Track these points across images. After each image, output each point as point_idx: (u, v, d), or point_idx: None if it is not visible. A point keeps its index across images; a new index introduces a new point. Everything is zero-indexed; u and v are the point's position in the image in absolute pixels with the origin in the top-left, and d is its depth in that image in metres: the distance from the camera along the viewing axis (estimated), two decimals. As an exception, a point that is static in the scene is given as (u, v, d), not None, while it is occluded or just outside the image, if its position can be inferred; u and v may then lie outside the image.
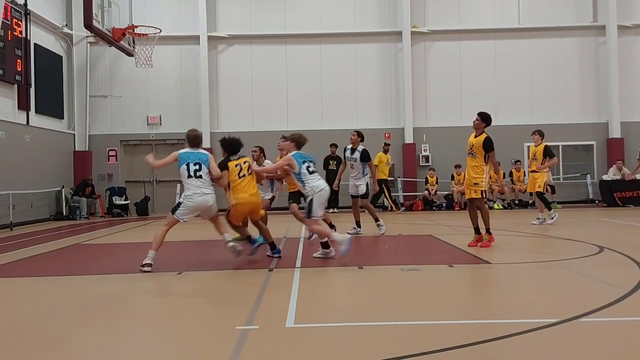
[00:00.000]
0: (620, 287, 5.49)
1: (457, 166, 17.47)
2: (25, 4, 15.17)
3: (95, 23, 9.49)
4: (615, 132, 18.72)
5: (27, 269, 7.97)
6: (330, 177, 13.48)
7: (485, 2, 19.21)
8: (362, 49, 19.33)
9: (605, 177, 17.97)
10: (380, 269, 7.12)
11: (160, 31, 11.16)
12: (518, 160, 18.03)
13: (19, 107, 15.12)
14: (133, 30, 11.02)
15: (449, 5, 19.25)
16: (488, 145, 8.20)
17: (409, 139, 19.08)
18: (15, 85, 14.88)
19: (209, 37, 18.93)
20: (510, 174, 17.80)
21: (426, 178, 18.35)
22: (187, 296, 5.96)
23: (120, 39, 10.81)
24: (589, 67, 19.12)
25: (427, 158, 19.11)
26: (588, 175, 18.69)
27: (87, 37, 18.19)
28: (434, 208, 18.00)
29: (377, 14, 19.40)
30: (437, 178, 18.19)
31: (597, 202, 18.27)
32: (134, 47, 11.76)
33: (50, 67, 17.11)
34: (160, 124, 18.86)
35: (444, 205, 18.14)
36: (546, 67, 19.00)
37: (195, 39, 18.72)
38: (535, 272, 6.75)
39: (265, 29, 19.12)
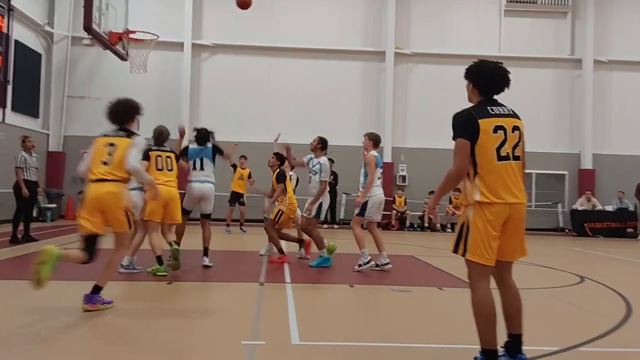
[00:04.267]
0: (608, 317, 5.61)
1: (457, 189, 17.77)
2: (9, 0, 14.85)
3: (94, 26, 9.33)
4: (587, 163, 19.30)
5: (9, 272, 7.71)
6: None
7: (468, 28, 19.64)
8: (345, 67, 19.51)
9: (576, 207, 18.43)
10: (371, 288, 7.14)
11: (158, 37, 11.06)
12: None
13: (-4, 104, 14.77)
14: (128, 35, 10.87)
15: (432, 29, 19.63)
16: None
17: (387, 158, 19.24)
18: (-6, 82, 14.53)
19: (193, 45, 18.89)
20: None
21: (394, 198, 18.51)
22: (184, 307, 5.81)
23: (116, 43, 10.67)
24: (564, 99, 19.70)
25: (404, 178, 19.31)
26: (559, 204, 19.14)
27: (68, 36, 18.08)
28: (405, 228, 18.16)
29: (362, 32, 19.64)
30: (405, 199, 18.37)
31: (566, 230, 18.71)
32: (126, 52, 11.60)
33: (29, 64, 16.74)
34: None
35: (415, 225, 18.33)
36: (523, 95, 19.41)
37: (179, 45, 18.63)
38: (525, 299, 6.84)
39: (250, 40, 19.12)
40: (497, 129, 3.62)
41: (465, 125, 3.65)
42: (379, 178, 8.23)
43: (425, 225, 18.13)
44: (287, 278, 7.47)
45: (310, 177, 8.78)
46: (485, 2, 19.77)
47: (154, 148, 7.56)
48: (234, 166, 14.30)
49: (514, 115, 3.74)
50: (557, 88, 19.75)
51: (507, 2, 19.59)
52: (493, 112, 3.67)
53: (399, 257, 10.78)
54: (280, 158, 9.28)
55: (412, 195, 18.79)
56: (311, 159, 8.90)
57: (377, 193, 8.20)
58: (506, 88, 3.79)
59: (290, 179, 9.57)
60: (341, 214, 18.22)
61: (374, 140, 8.38)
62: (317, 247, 8.65)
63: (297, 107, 19.05)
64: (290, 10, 19.37)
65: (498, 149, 3.60)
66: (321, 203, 8.75)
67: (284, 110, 19.04)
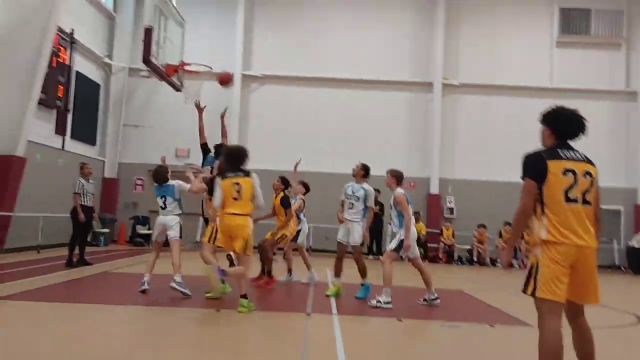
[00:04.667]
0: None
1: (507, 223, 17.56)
2: (72, 33, 15.65)
3: (152, 58, 9.73)
4: (645, 199, 18.63)
5: (63, 295, 7.94)
6: None
7: (518, 59, 19.43)
8: (393, 97, 19.57)
9: (632, 244, 17.71)
10: (419, 323, 7.02)
11: (211, 69, 11.42)
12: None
13: (56, 132, 15.43)
14: (183, 67, 11.27)
15: (481, 60, 19.52)
16: None
17: (434, 190, 19.08)
18: (55, 110, 15.21)
19: (243, 76, 19.34)
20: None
21: (441, 230, 18.23)
22: (233, 336, 5.85)
23: (172, 75, 11.07)
24: (620, 132, 19.14)
25: (451, 210, 19.06)
26: (614, 241, 18.45)
27: (126, 68, 18.88)
28: (453, 262, 17.80)
29: (409, 64, 19.70)
30: (453, 231, 18.08)
31: (622, 268, 17.99)
32: (181, 82, 12.03)
33: (89, 94, 17.50)
34: (189, 156, 18.99)
35: (463, 259, 17.96)
36: (576, 128, 19.01)
37: (230, 76, 19.10)
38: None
39: (298, 71, 19.46)
40: (566, 171, 3.72)
41: (533, 166, 3.79)
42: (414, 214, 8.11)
43: (474, 259, 17.74)
44: (334, 309, 7.42)
45: (352, 203, 8.61)
46: (537, 33, 19.59)
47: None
48: None
49: (588, 162, 3.84)
50: (612, 121, 19.20)
51: (560, 33, 19.37)
52: (564, 156, 3.79)
53: (447, 291, 10.58)
54: (285, 182, 9.69)
55: (460, 227, 18.48)
56: (350, 185, 8.80)
57: (413, 230, 8.04)
58: (582, 134, 3.92)
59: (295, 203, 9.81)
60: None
61: (397, 177, 8.19)
62: (361, 276, 8.58)
63: (343, 138, 19.16)
64: (337, 41, 19.63)
65: (566, 191, 3.70)
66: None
67: (330, 140, 19.17)
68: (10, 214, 12.45)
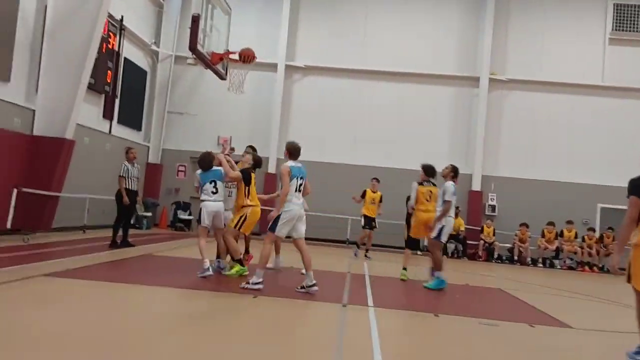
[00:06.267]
0: None
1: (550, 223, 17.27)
2: (122, 20, 15.98)
3: (198, 47, 9.85)
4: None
5: (106, 275, 8.14)
6: None
7: (568, 56, 18.89)
8: (437, 91, 19.30)
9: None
10: (457, 319, 6.91)
11: (256, 58, 11.48)
12: (590, 228, 17.33)
13: (104, 116, 15.81)
14: (229, 56, 11.37)
15: (530, 56, 19.05)
16: None
17: (476, 186, 18.78)
18: (103, 95, 15.58)
19: (287, 66, 19.40)
20: (561, 234, 17.22)
21: (482, 227, 17.90)
22: (267, 324, 5.88)
23: (217, 63, 11.18)
24: (673, 133, 18.41)
25: (493, 208, 18.73)
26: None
27: (172, 55, 19.20)
28: (493, 260, 17.45)
29: (456, 57, 19.39)
30: (494, 229, 17.72)
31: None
32: (225, 71, 12.16)
33: (135, 81, 17.87)
34: (231, 144, 19.16)
35: (503, 257, 17.60)
36: (626, 127, 18.38)
37: (273, 66, 19.18)
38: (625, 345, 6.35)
39: (341, 62, 19.39)
40: None
41: (637, 187, 4.98)
42: (298, 190, 7.52)
43: (515, 258, 17.38)
44: (370, 301, 7.39)
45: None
46: (588, 29, 18.98)
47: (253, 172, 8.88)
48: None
49: None
50: (666, 121, 18.50)
51: (613, 30, 18.72)
52: None
53: (485, 289, 10.44)
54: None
55: (502, 226, 18.14)
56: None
57: (293, 208, 7.49)
58: None
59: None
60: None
61: (288, 151, 7.75)
62: (436, 268, 9.25)
63: (386, 131, 19.03)
64: (383, 33, 19.46)
65: None
66: (443, 226, 9.22)
67: (372, 133, 19.06)
68: (59, 194, 12.82)
